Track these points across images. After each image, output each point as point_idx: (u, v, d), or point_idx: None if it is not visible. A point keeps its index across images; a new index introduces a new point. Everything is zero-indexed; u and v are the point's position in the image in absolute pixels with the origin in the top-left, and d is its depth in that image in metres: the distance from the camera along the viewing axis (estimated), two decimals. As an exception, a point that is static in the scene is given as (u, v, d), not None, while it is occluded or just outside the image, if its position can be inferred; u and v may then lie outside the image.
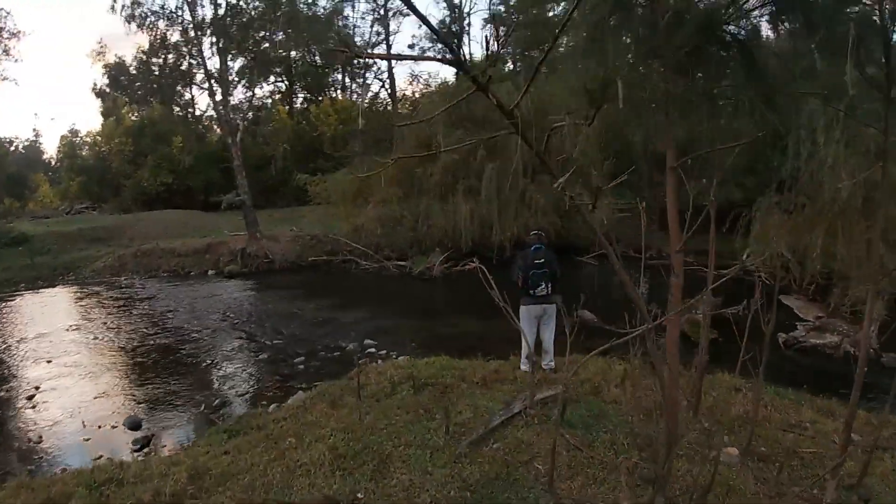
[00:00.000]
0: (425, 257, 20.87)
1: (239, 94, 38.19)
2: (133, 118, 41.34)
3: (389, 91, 35.25)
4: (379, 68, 39.79)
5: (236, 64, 32.45)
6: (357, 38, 39.80)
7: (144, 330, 14.28)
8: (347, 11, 39.15)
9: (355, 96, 40.44)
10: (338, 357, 11.55)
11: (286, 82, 41.11)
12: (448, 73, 54.89)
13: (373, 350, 11.77)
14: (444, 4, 38.15)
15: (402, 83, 40.41)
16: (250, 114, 40.09)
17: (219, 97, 25.35)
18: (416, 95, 39.16)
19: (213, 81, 25.58)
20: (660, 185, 22.08)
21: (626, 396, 7.19)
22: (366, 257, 22.28)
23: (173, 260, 23.74)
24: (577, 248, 22.05)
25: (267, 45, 29.16)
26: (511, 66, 33.98)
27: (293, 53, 39.18)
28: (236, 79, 35.41)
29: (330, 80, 41.59)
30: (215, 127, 41.14)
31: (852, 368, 4.66)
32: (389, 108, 37.25)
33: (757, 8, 4.53)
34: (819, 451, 6.12)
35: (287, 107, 40.41)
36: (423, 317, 15.07)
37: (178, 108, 40.52)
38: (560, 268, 8.67)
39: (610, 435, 6.22)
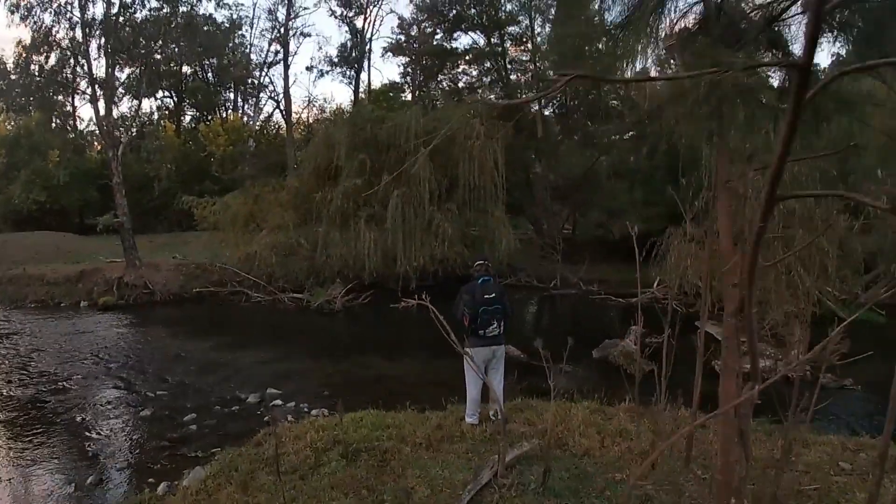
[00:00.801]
0: (324, 289, 19.27)
1: (124, 107, 35.51)
2: (9, 127, 37.16)
3: (284, 113, 33.36)
4: (273, 89, 37.92)
5: (123, 73, 30.17)
6: (254, 56, 37.96)
7: (3, 376, 11.92)
8: (245, 28, 37.30)
9: (247, 118, 38.25)
10: (237, 412, 9.78)
11: (175, 98, 38.41)
12: (344, 98, 53.10)
13: (278, 402, 10.07)
14: (347, 29, 36.84)
15: (296, 107, 38.45)
16: (134, 129, 37.21)
17: (102, 106, 22.80)
18: (311, 120, 37.52)
19: (96, 87, 23.07)
20: (557, 215, 21.43)
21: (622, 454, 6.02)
22: (258, 289, 20.40)
23: (42, 289, 20.96)
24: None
25: (158, 55, 26.90)
26: (409, 96, 33.02)
27: (185, 68, 36.85)
28: (122, 91, 32.89)
29: (221, 98, 39.21)
30: (95, 142, 37.81)
31: (792, 392, 4.05)
32: (283, 131, 35.32)
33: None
34: (820, 487, 5.48)
35: (174, 124, 37.60)
36: (330, 357, 13.42)
37: (58, 119, 37.18)
38: (511, 304, 7.53)
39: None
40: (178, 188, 30.79)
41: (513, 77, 27.85)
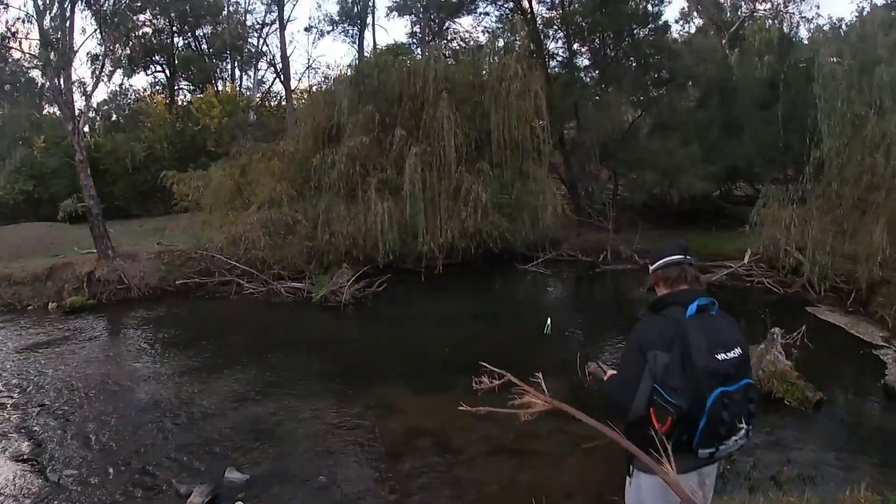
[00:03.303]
0: (328, 276, 14.21)
1: (115, 83, 30.45)
2: (-5, 118, 32.19)
3: (283, 79, 28.08)
4: (272, 57, 32.44)
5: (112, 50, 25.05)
6: (249, 20, 32.46)
7: None
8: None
9: (247, 91, 32.87)
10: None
11: (167, 71, 32.92)
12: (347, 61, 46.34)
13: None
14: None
15: (296, 74, 33.18)
16: (126, 108, 32.10)
17: (55, 62, 17.59)
18: (312, 88, 31.88)
19: (49, 51, 17.90)
20: (596, 177, 15.89)
21: None
22: (251, 277, 15.40)
23: (9, 290, 16.15)
24: (519, 255, 16.78)
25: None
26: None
27: (177, 39, 31.51)
28: (109, 67, 27.70)
29: (218, 70, 33.72)
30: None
31: None
32: (283, 100, 30.08)
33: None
34: None
35: (168, 99, 32.24)
36: (334, 385, 8.78)
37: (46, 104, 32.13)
38: None
39: None
40: (173, 167, 25.88)
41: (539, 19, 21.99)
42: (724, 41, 26.20)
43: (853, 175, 11.52)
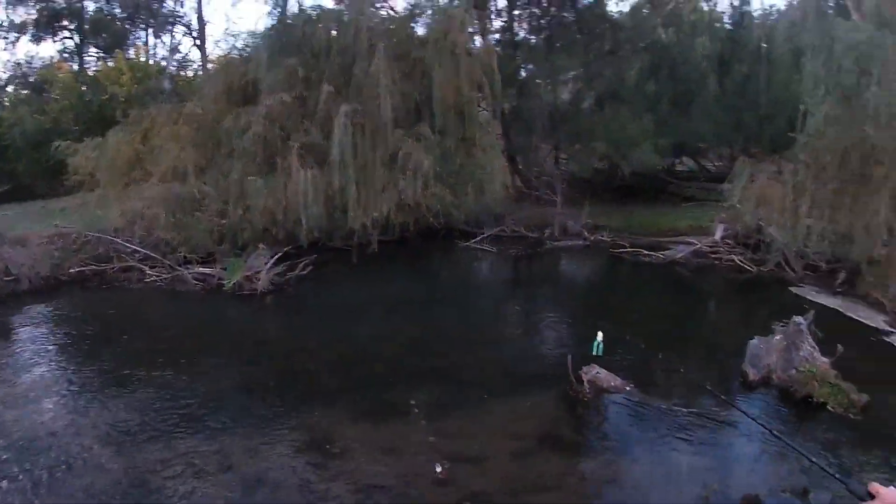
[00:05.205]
0: (242, 260, 11.73)
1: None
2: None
3: (198, 42, 25.01)
4: (190, 22, 28.97)
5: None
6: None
7: None
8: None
9: (164, 61, 29.26)
10: None
11: (76, 38, 29.10)
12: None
13: None
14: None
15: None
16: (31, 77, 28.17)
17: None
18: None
19: None
20: (538, 148, 13.67)
21: None
22: (154, 262, 12.82)
23: None
24: (459, 231, 15.09)
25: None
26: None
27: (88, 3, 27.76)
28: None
29: (132, 37, 30.10)
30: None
31: None
32: (200, 68, 26.97)
33: None
34: None
35: (76, 67, 28.48)
36: (248, 412, 6.44)
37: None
38: None
39: None
40: (82, 140, 22.65)
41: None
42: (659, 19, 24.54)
43: (843, 149, 10.02)
